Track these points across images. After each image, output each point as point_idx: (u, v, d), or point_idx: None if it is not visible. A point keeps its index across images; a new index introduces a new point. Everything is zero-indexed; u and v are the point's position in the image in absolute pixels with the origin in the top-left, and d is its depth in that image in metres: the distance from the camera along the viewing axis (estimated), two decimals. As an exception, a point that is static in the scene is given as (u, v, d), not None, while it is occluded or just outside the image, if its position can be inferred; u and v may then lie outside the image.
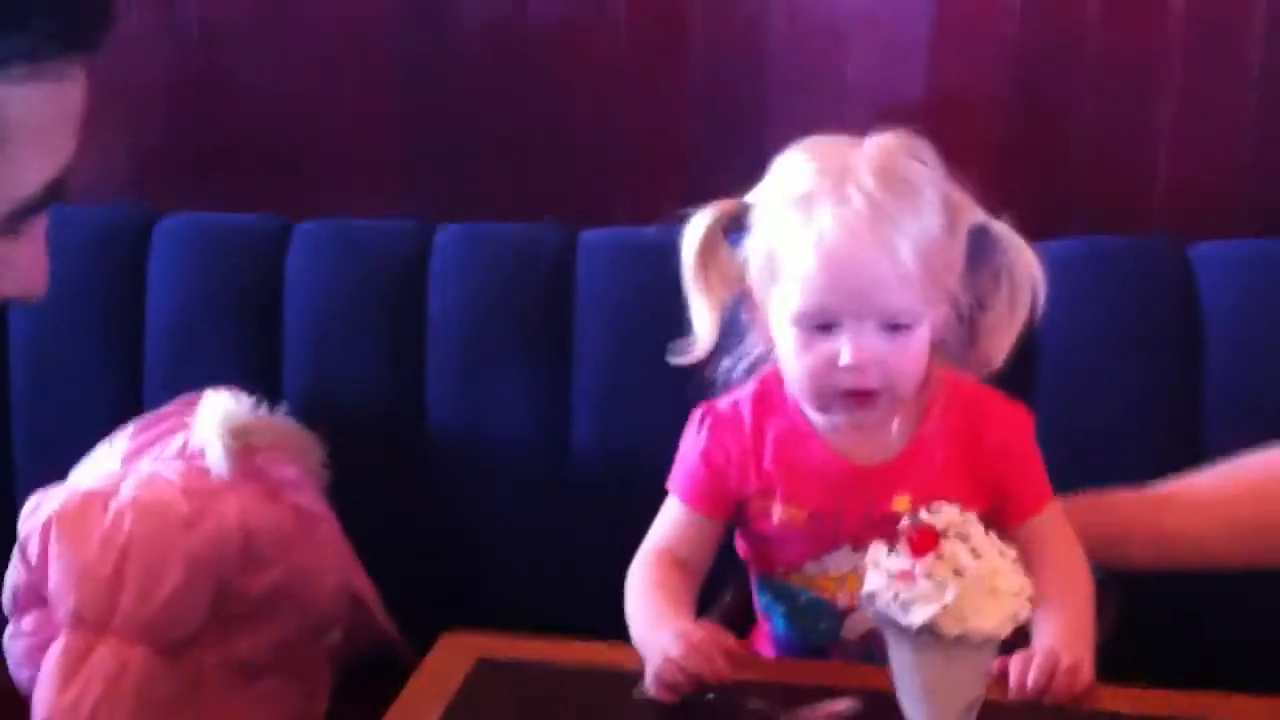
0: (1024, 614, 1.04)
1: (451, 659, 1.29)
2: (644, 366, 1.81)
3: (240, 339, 1.90)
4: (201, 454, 1.70)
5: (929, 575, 1.03)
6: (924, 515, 1.06)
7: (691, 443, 1.34)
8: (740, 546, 1.38)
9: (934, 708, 1.07)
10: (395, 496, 1.87)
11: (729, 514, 1.34)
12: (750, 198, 1.30)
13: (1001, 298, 1.28)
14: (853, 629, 1.32)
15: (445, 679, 1.25)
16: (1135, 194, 1.82)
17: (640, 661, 1.22)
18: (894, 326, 1.22)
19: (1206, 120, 1.80)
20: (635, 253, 1.84)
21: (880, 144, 1.26)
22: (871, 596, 1.06)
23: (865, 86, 1.87)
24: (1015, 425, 1.32)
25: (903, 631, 1.04)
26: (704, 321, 1.32)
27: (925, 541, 1.04)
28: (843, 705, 1.16)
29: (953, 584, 1.02)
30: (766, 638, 1.41)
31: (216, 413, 1.71)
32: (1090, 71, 1.80)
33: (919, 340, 1.24)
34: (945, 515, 1.06)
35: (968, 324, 1.29)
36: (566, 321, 1.83)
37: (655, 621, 1.24)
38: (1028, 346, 1.69)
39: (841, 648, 1.33)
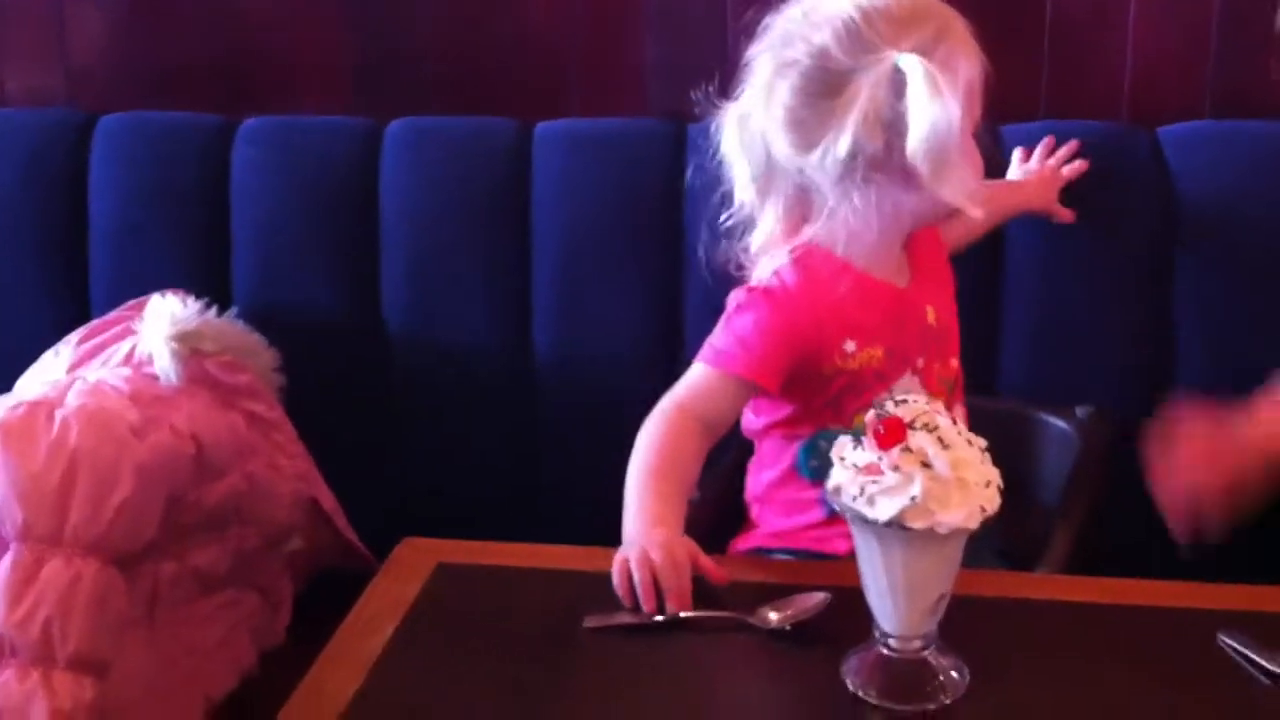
0: (992, 506, 1.01)
1: (411, 564, 1.28)
2: (604, 260, 1.79)
3: (186, 242, 1.86)
4: (149, 360, 1.66)
5: (896, 468, 1.00)
6: (890, 406, 1.04)
7: (746, 317, 1.34)
8: (771, 416, 1.40)
9: (901, 603, 1.05)
10: (352, 401, 1.85)
11: (777, 383, 1.35)
12: (837, 55, 1.28)
13: None
14: None
15: (404, 584, 1.24)
16: (1104, 81, 1.81)
17: (598, 566, 1.20)
18: None
19: (1171, 7, 1.79)
20: (592, 144, 1.81)
21: None
22: (837, 490, 1.03)
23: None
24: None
25: (869, 526, 1.02)
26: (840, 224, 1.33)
27: (892, 433, 1.02)
28: (811, 602, 1.14)
29: (920, 476, 1.00)
30: (762, 534, 1.43)
31: (163, 317, 1.67)
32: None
33: None
34: (912, 406, 1.04)
35: None
36: (523, 216, 1.80)
37: (653, 503, 1.26)
38: (997, 234, 1.68)
39: None
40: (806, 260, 1.34)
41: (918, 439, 1.01)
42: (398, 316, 1.83)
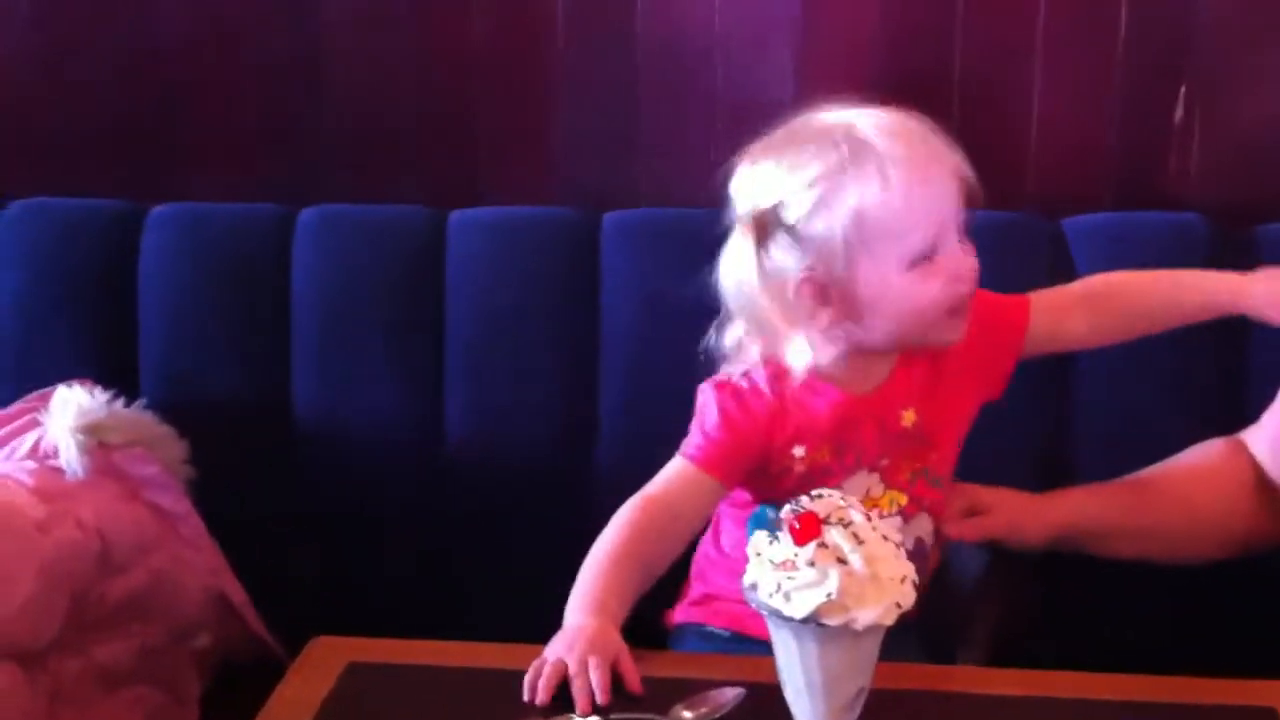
0: (907, 601, 1.02)
1: (322, 663, 1.26)
2: (518, 349, 1.79)
3: (92, 331, 1.83)
4: (54, 453, 1.63)
5: (811, 563, 1.01)
6: (805, 501, 1.04)
7: (711, 411, 1.37)
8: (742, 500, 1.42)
9: (819, 699, 1.05)
10: (262, 493, 1.82)
11: (739, 481, 1.39)
12: (766, 202, 1.31)
13: None
14: None
15: (315, 683, 1.23)
16: (1008, 172, 1.84)
17: (515, 663, 1.20)
18: (965, 231, 1.33)
19: (1074, 102, 1.84)
20: (506, 232, 1.81)
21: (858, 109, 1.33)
22: (754, 587, 1.03)
23: (735, 80, 1.86)
24: (999, 312, 1.44)
25: (786, 622, 1.02)
26: (798, 349, 1.33)
27: (807, 529, 1.02)
28: (725, 698, 1.13)
29: (835, 572, 1.00)
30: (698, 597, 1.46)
31: (69, 409, 1.65)
32: (962, 54, 1.83)
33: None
34: (827, 501, 1.04)
35: None
36: (437, 306, 1.79)
37: (598, 590, 1.27)
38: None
39: None
40: (777, 364, 1.36)
41: (833, 535, 1.02)
42: (309, 407, 1.81)
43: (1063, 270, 1.69)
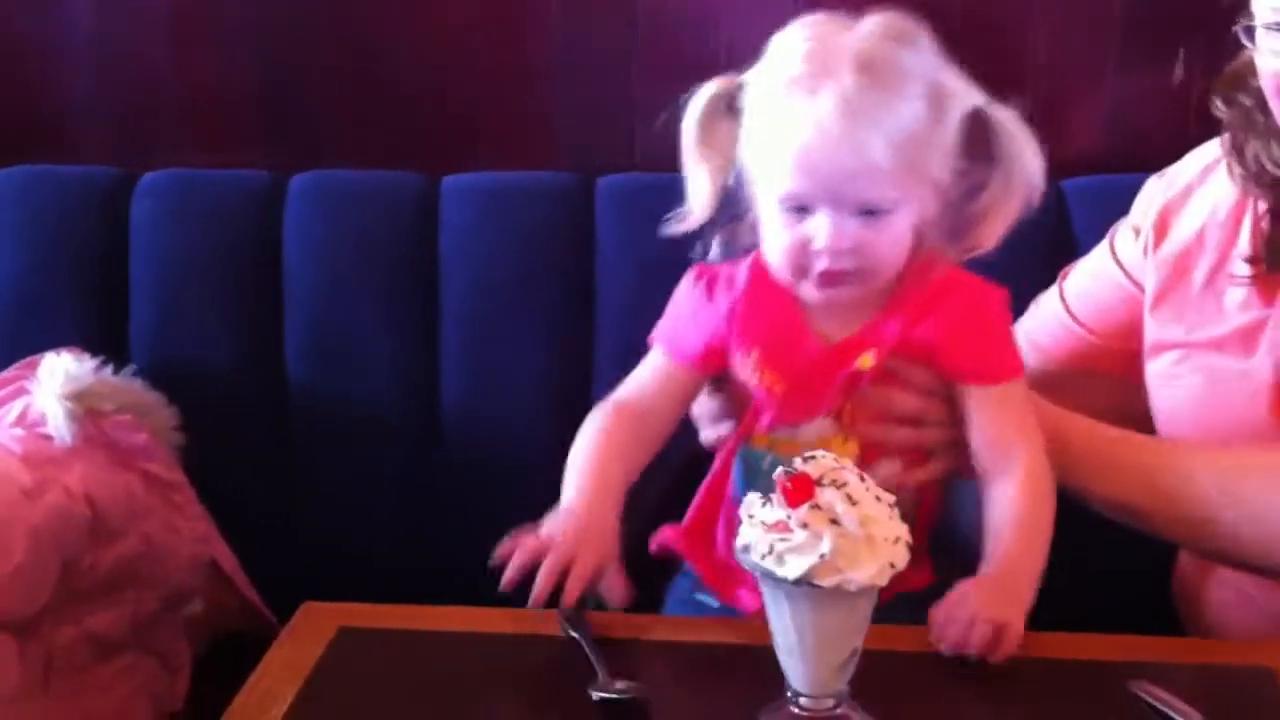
0: (901, 562, 1.01)
1: (313, 628, 1.25)
2: (512, 315, 1.78)
3: (82, 297, 1.82)
4: (43, 420, 1.62)
5: (804, 525, 1.00)
6: (798, 463, 1.03)
7: (684, 297, 1.35)
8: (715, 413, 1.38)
9: (812, 660, 1.04)
10: (253, 459, 1.82)
11: (707, 370, 1.35)
12: (746, 76, 1.29)
13: (997, 182, 1.29)
14: None
15: (306, 648, 1.22)
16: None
17: (505, 628, 1.20)
18: (870, 212, 1.24)
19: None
20: (499, 198, 1.80)
21: (870, 30, 1.26)
22: (746, 548, 1.02)
23: (734, 47, 1.84)
24: (978, 300, 1.32)
25: (779, 584, 1.01)
26: (700, 192, 1.32)
27: (800, 490, 1.01)
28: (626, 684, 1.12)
29: (829, 534, 0.99)
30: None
31: (57, 376, 1.64)
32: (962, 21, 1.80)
33: (897, 225, 1.25)
34: (820, 463, 1.03)
35: (961, 207, 1.30)
36: (430, 271, 1.78)
37: (577, 475, 1.27)
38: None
39: None
40: (760, 263, 1.32)
41: (826, 496, 1.01)
42: (301, 373, 1.80)
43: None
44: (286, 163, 1.86)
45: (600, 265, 1.77)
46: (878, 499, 1.02)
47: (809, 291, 1.28)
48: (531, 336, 1.77)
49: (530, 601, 1.16)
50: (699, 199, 1.32)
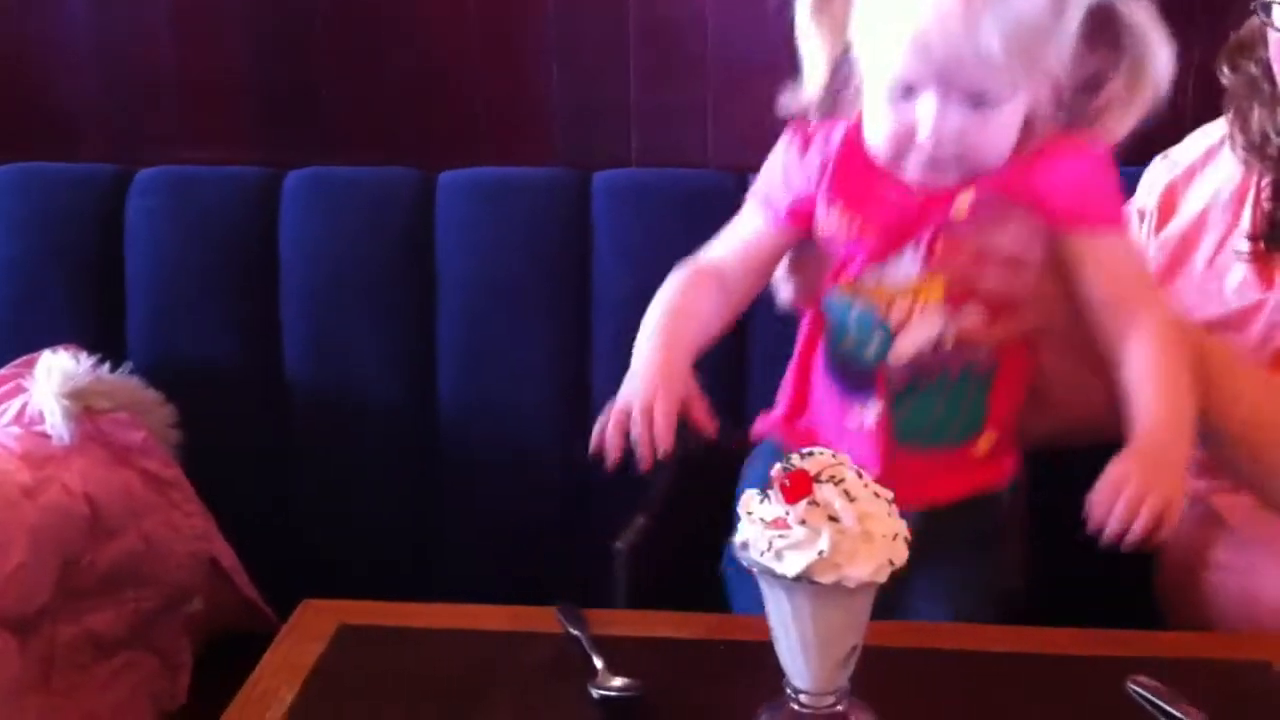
0: (899, 559, 1.01)
1: (313, 625, 1.25)
2: (509, 310, 1.78)
3: (78, 295, 1.82)
4: (40, 419, 1.63)
5: (803, 522, 1.00)
6: (796, 460, 1.03)
7: (778, 153, 1.33)
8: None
9: (812, 657, 1.04)
10: (252, 457, 1.82)
11: (795, 225, 1.31)
12: None
13: (1121, 75, 1.26)
14: (900, 352, 1.27)
15: (305, 647, 1.22)
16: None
17: (505, 625, 1.20)
18: (979, 102, 1.21)
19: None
20: (497, 193, 1.79)
21: None
22: (745, 545, 1.02)
23: (727, 41, 1.84)
24: (1083, 150, 1.28)
25: (778, 581, 1.01)
26: (814, 64, 1.29)
27: (797, 487, 1.01)
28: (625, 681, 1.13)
29: (827, 530, 0.99)
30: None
31: (54, 374, 1.64)
32: None
33: (1006, 116, 1.23)
34: (818, 459, 1.03)
35: (1081, 98, 1.27)
36: (427, 267, 1.78)
37: (648, 336, 1.24)
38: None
39: (888, 373, 1.28)
40: (858, 128, 1.29)
41: (824, 492, 1.00)
42: (298, 370, 1.80)
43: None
44: (283, 159, 1.86)
45: (597, 261, 1.76)
46: (876, 495, 1.02)
47: (909, 173, 1.25)
48: (528, 332, 1.77)
49: (638, 458, 1.15)
50: (813, 71, 1.29)
